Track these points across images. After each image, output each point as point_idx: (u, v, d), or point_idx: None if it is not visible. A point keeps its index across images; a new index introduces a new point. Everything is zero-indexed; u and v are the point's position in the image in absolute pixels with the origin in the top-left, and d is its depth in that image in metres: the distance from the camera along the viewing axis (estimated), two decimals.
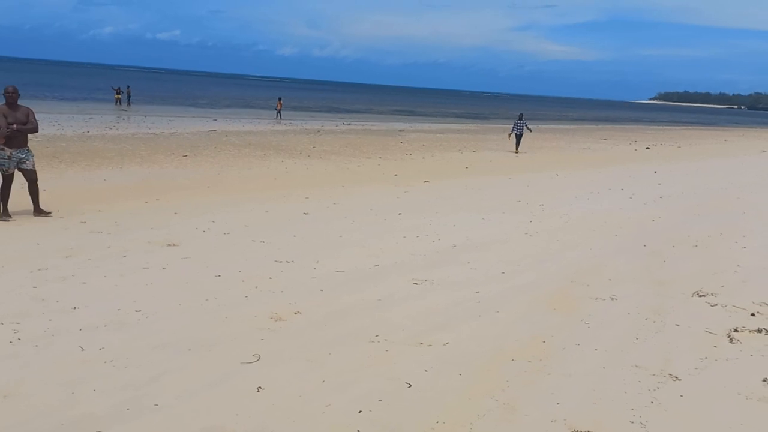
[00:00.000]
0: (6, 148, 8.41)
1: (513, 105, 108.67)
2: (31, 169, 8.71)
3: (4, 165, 8.48)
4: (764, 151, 31.54)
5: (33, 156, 8.82)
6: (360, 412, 3.65)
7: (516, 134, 24.93)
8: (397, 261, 7.06)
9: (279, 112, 39.73)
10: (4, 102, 8.54)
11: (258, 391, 3.84)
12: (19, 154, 8.58)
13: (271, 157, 18.23)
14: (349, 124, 36.99)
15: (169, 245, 7.30)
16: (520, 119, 25.43)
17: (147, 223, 8.44)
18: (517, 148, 24.67)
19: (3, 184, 8.54)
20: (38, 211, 8.77)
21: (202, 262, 6.64)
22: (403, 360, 4.39)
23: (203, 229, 8.22)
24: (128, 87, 42.87)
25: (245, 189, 12.32)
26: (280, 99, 41.56)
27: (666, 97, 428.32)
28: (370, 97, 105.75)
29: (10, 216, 8.50)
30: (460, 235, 8.46)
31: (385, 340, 4.73)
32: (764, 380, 4.25)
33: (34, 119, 8.72)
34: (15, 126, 8.36)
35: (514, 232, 8.87)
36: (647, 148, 30.55)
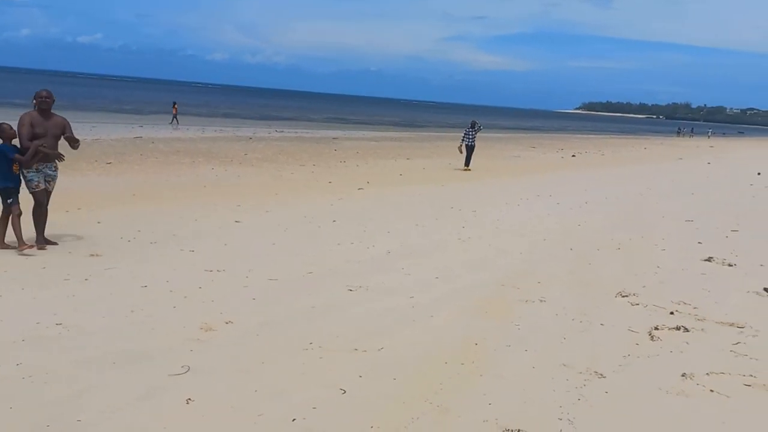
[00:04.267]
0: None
1: (445, 113, 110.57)
2: (49, 191, 7.51)
3: (33, 180, 7.24)
4: (681, 159, 33.29)
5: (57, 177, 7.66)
6: (294, 420, 3.60)
7: (467, 145, 20.51)
8: (331, 268, 7.03)
9: (175, 117, 36.27)
10: (35, 108, 7.30)
11: (187, 403, 3.73)
12: (48, 171, 7.38)
13: (200, 165, 17.79)
14: (282, 132, 36.62)
15: (92, 255, 7.02)
16: (472, 127, 20.86)
17: (68, 232, 8.07)
18: (467, 164, 20.34)
19: (34, 204, 7.35)
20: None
21: (128, 273, 6.40)
22: (338, 367, 4.37)
23: (128, 239, 7.94)
24: None
25: (173, 197, 11.97)
26: (174, 103, 37.85)
27: (590, 107, 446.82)
28: (303, 104, 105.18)
29: (56, 242, 7.47)
30: (394, 242, 8.51)
31: (320, 347, 4.70)
32: (683, 375, 4.46)
33: (71, 133, 7.45)
34: (43, 146, 7.10)
35: (448, 238, 9.00)
36: (573, 155, 31.67)
